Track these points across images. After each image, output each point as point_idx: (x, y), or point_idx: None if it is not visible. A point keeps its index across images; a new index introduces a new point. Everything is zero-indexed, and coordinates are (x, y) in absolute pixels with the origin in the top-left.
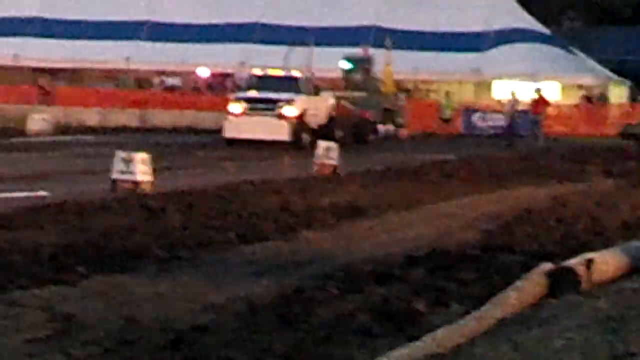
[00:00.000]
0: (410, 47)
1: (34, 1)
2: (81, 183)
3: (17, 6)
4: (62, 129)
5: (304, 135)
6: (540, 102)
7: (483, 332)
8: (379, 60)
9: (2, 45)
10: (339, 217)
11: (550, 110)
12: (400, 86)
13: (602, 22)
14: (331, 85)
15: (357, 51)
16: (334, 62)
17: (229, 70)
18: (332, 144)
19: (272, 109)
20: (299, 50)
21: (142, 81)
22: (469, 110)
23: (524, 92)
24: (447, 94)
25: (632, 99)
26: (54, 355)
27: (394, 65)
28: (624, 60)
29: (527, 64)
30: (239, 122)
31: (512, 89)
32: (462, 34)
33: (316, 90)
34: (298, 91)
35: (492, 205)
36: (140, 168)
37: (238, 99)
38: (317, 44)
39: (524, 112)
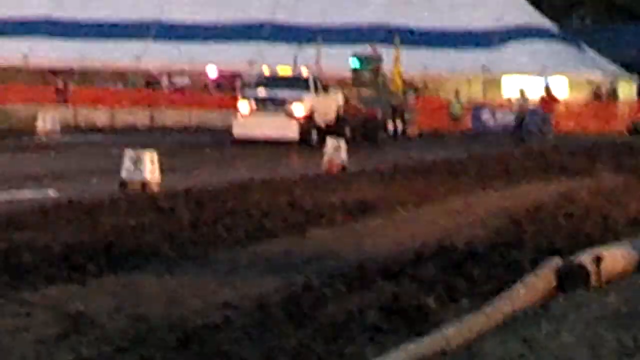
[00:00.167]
0: (419, 45)
1: (44, 1)
2: (91, 183)
3: (26, 7)
4: (72, 129)
5: (312, 134)
6: (549, 100)
7: (492, 328)
8: (388, 59)
9: (12, 46)
10: (348, 214)
11: (559, 107)
12: (409, 84)
13: (611, 19)
14: (340, 83)
15: (366, 49)
16: (343, 60)
17: (238, 70)
18: (341, 143)
19: (281, 108)
20: (308, 49)
21: (151, 81)
22: (478, 108)
23: (533, 89)
24: (457, 91)
25: None
26: (64, 354)
27: (402, 64)
28: (633, 56)
29: (537, 60)
30: (248, 121)
31: (521, 87)
32: (471, 32)
33: (325, 89)
34: (307, 90)
35: (502, 201)
36: (149, 167)
37: (247, 98)
38: (326, 43)
39: (533, 110)
